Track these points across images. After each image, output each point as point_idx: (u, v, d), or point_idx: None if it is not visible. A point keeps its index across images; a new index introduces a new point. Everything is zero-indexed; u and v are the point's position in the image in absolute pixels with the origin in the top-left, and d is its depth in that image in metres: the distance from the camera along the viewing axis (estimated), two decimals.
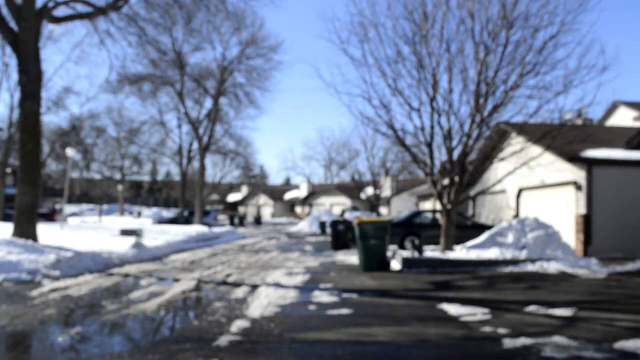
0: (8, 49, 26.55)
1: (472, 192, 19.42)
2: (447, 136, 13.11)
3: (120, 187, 54.70)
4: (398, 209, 41.36)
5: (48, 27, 20.91)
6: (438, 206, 13.99)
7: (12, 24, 13.42)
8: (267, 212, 65.97)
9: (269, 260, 13.44)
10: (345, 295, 7.82)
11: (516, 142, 14.63)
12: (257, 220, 48.04)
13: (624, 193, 14.29)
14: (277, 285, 8.85)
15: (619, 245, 13.91)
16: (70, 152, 22.26)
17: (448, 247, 12.91)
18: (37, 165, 13.70)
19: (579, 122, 18.56)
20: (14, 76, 31.12)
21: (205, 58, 53.74)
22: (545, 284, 8.97)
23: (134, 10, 15.36)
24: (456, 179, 13.12)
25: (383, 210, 45.54)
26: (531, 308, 6.74)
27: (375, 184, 43.58)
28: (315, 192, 61.39)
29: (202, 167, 35.89)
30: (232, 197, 71.54)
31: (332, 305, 6.98)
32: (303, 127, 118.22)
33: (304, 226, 35.44)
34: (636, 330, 5.54)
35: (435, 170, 13.59)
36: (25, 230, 12.85)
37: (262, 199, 67.72)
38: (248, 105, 37.55)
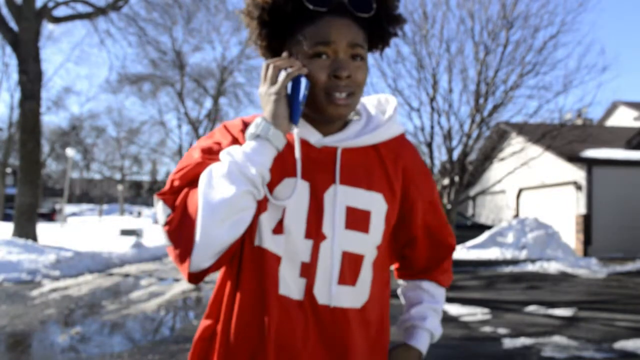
0: (8, 49, 26.56)
1: (472, 192, 19.42)
2: (447, 136, 13.11)
3: (120, 187, 54.68)
4: None
5: (48, 27, 20.93)
6: None
7: (12, 24, 13.42)
8: None
9: None
10: None
11: (516, 142, 14.63)
12: None
13: (624, 193, 14.29)
14: None
15: (619, 245, 13.91)
16: (70, 152, 22.27)
17: None
18: (37, 165, 13.70)
19: (579, 122, 18.55)
20: (14, 76, 31.20)
21: (205, 58, 53.90)
22: (545, 284, 8.97)
23: (134, 10, 15.43)
24: (456, 179, 13.11)
25: None
26: (531, 308, 6.75)
27: None
28: None
29: None
30: None
31: None
32: None
33: None
34: (636, 330, 5.54)
35: (435, 170, 13.59)
36: (25, 230, 12.85)
37: None
38: (248, 105, 37.60)
